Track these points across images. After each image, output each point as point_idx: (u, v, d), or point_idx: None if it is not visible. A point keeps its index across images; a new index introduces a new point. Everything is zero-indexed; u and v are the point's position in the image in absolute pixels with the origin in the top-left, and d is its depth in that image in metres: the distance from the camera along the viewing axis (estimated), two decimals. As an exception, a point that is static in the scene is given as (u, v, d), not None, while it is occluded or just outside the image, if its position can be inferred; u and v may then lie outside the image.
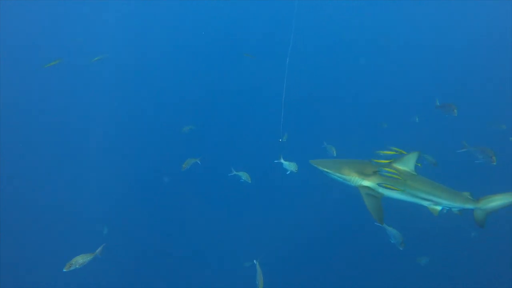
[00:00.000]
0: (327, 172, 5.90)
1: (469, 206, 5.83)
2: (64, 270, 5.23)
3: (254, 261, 6.79)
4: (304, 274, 10.98)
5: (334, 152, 9.43)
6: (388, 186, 5.46)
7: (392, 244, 7.09)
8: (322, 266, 11.30)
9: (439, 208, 5.85)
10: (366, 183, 5.65)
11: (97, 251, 5.79)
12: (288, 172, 7.20)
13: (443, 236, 11.09)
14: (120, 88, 18.05)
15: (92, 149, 14.51)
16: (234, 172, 8.39)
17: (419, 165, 5.84)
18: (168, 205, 12.82)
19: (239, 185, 11.84)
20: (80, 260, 5.29)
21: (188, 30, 22.81)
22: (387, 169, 5.52)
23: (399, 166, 5.77)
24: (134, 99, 17.72)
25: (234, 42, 22.15)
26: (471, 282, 10.37)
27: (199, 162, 9.13)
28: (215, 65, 20.16)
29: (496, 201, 5.78)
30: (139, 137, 15.70)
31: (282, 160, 6.85)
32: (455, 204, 5.80)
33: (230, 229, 11.96)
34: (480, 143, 8.48)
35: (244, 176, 8.31)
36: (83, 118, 16.22)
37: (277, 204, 12.87)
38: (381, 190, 5.60)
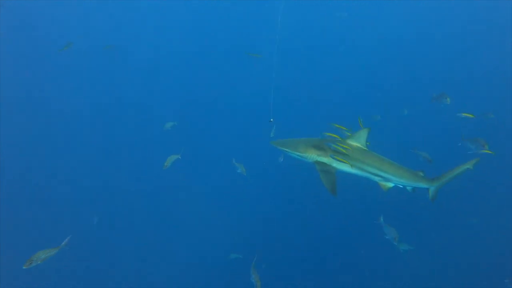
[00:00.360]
0: (285, 151, 6.16)
1: (423, 185, 6.08)
2: (24, 268, 4.86)
3: (253, 262, 6.96)
4: (298, 271, 10.90)
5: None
6: (340, 159, 5.66)
7: (387, 241, 7.35)
8: (316, 263, 11.22)
9: (390, 184, 6.02)
10: (321, 159, 5.90)
11: (63, 244, 5.43)
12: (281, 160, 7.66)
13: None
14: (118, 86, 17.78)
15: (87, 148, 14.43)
16: (234, 163, 9.00)
17: (368, 143, 6.01)
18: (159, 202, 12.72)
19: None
20: (42, 255, 4.92)
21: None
22: (340, 144, 5.73)
23: (351, 142, 6.00)
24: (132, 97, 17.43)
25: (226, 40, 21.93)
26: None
27: (179, 158, 9.00)
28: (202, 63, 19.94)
29: (446, 177, 6.14)
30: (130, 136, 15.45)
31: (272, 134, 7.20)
32: (407, 181, 5.98)
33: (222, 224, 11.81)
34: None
35: (241, 168, 8.88)
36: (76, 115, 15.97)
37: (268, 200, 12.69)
38: (334, 164, 5.87)
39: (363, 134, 5.95)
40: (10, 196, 12.11)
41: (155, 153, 12.86)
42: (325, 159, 5.94)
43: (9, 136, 13.71)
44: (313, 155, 5.96)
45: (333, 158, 5.76)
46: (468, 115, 8.05)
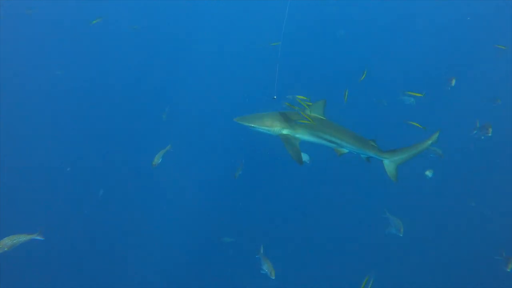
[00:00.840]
0: (252, 126, 6.14)
1: (374, 154, 6.15)
2: (-10, 253, 4.61)
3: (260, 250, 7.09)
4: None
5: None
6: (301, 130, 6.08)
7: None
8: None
9: (345, 150, 6.23)
10: (285, 131, 6.08)
11: (36, 234, 5.24)
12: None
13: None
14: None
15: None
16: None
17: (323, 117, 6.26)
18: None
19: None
20: (9, 242, 4.72)
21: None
22: (301, 115, 5.99)
23: (310, 113, 6.17)
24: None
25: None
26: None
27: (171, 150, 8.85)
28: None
29: (403, 154, 6.04)
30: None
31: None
32: (360, 149, 6.15)
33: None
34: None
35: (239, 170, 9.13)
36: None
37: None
38: (298, 135, 6.15)
39: (321, 104, 6.17)
40: (10, 195, 11.99)
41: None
42: (289, 131, 6.13)
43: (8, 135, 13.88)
44: (278, 128, 6.10)
45: (296, 129, 6.06)
46: (416, 94, 8.35)
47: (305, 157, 7.86)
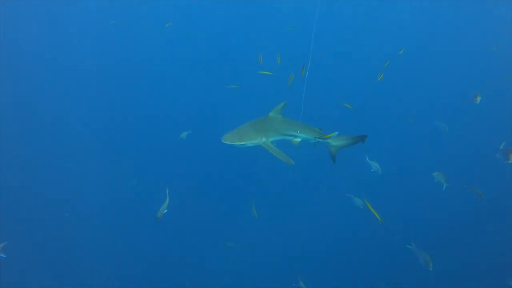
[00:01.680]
0: (244, 144, 6.58)
1: (318, 138, 7.05)
2: None
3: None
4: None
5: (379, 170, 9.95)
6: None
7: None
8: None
9: (299, 139, 7.08)
10: (264, 138, 6.70)
11: None
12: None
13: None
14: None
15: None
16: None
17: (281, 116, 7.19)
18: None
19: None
20: None
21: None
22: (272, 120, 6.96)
23: (274, 114, 7.11)
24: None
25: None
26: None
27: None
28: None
29: (341, 141, 7.08)
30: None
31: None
32: (309, 136, 7.08)
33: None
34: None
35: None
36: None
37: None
38: (271, 139, 6.82)
39: (280, 106, 7.08)
40: (9, 195, 12.14)
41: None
42: (266, 138, 6.75)
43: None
44: (260, 138, 6.65)
45: (270, 134, 6.80)
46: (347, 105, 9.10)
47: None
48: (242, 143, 6.51)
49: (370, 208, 6.04)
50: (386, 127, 15.45)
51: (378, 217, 5.93)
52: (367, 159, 9.98)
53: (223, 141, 6.45)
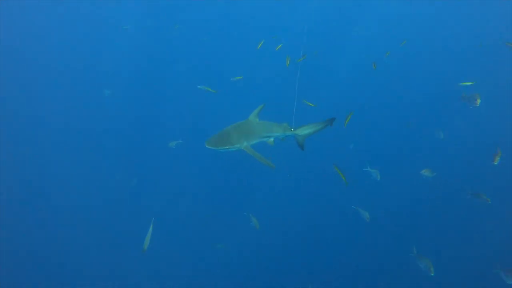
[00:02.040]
0: (227, 148, 6.58)
1: (289, 133, 7.35)
2: None
3: None
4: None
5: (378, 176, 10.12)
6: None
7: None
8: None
9: (272, 139, 7.29)
10: (245, 142, 6.72)
11: None
12: None
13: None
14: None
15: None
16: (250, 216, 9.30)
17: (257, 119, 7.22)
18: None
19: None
20: None
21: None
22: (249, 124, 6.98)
23: (252, 116, 7.12)
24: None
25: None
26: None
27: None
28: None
29: (307, 129, 7.37)
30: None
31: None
32: (281, 133, 7.31)
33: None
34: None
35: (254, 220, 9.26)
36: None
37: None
38: (251, 143, 6.85)
39: (258, 109, 7.11)
40: (9, 196, 12.21)
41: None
42: (247, 142, 6.79)
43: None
44: (241, 142, 6.67)
45: (250, 138, 6.84)
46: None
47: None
48: (226, 147, 6.52)
49: (338, 171, 6.34)
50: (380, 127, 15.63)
51: (344, 179, 6.25)
52: (368, 168, 10.08)
53: (206, 146, 6.43)
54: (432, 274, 7.47)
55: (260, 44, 11.68)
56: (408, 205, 12.63)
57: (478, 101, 8.78)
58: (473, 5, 23.87)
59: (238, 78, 12.99)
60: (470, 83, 9.67)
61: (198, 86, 10.83)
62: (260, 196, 12.63)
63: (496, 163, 7.72)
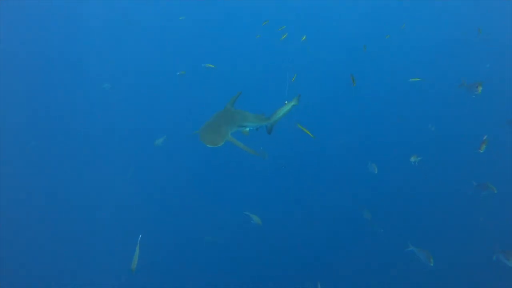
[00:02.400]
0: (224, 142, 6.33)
1: (265, 123, 7.34)
2: None
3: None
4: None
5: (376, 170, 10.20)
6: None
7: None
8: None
9: (247, 129, 7.18)
10: (229, 133, 6.53)
11: None
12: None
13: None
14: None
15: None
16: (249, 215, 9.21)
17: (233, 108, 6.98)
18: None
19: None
20: None
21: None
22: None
23: (229, 105, 6.89)
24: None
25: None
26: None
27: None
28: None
29: (278, 114, 7.26)
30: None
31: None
32: (258, 124, 7.22)
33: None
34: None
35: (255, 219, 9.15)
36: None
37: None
38: (231, 132, 6.57)
39: (234, 98, 6.89)
40: (10, 196, 12.16)
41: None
42: (231, 131, 6.57)
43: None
44: (229, 133, 6.45)
45: (232, 127, 6.60)
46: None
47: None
48: (224, 141, 6.23)
49: (302, 128, 6.31)
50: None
51: (310, 134, 6.24)
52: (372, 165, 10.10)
53: (207, 145, 5.99)
54: (432, 265, 7.43)
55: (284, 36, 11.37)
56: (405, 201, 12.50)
57: (480, 88, 8.43)
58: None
59: (210, 66, 12.90)
60: (418, 79, 9.61)
61: (203, 65, 11.02)
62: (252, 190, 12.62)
63: (482, 151, 7.49)
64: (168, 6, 23.62)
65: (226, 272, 10.48)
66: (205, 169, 13.24)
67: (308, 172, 13.22)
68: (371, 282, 10.01)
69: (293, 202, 12.32)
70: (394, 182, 12.61)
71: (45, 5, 20.91)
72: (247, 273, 10.33)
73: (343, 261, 10.59)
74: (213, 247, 11.16)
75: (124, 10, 22.72)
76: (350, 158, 12.54)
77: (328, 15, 25.29)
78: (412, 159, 9.76)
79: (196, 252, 11.15)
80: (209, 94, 15.49)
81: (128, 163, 13.71)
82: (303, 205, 12.27)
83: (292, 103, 7.21)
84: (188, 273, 10.57)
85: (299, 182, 12.97)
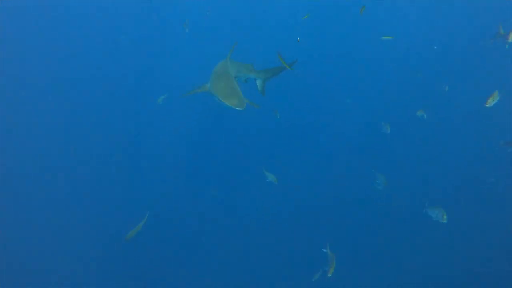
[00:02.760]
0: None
1: (252, 76, 7.35)
2: None
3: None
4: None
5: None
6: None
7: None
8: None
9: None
10: None
11: None
12: None
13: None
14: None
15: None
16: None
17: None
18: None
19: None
20: None
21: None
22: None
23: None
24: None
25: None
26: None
27: None
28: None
29: (268, 73, 7.39)
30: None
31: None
32: (246, 74, 7.22)
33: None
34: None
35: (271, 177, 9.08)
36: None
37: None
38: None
39: (231, 49, 6.82)
40: (10, 195, 12.09)
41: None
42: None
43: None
44: None
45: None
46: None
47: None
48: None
49: (280, 58, 6.20)
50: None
51: (285, 65, 6.23)
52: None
53: (238, 109, 5.67)
54: (445, 222, 7.31)
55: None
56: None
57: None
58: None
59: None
60: (390, 37, 9.48)
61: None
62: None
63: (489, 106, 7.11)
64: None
65: (226, 272, 10.52)
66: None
67: (308, 171, 13.17)
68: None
69: (294, 200, 12.25)
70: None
71: (45, 5, 20.86)
72: (247, 273, 10.37)
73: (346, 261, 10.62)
74: (213, 241, 11.18)
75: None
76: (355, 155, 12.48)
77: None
78: (419, 113, 9.75)
79: (196, 251, 11.21)
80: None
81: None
82: (305, 202, 12.23)
83: (284, 67, 6.86)
84: (188, 273, 10.62)
85: (299, 181, 12.90)
